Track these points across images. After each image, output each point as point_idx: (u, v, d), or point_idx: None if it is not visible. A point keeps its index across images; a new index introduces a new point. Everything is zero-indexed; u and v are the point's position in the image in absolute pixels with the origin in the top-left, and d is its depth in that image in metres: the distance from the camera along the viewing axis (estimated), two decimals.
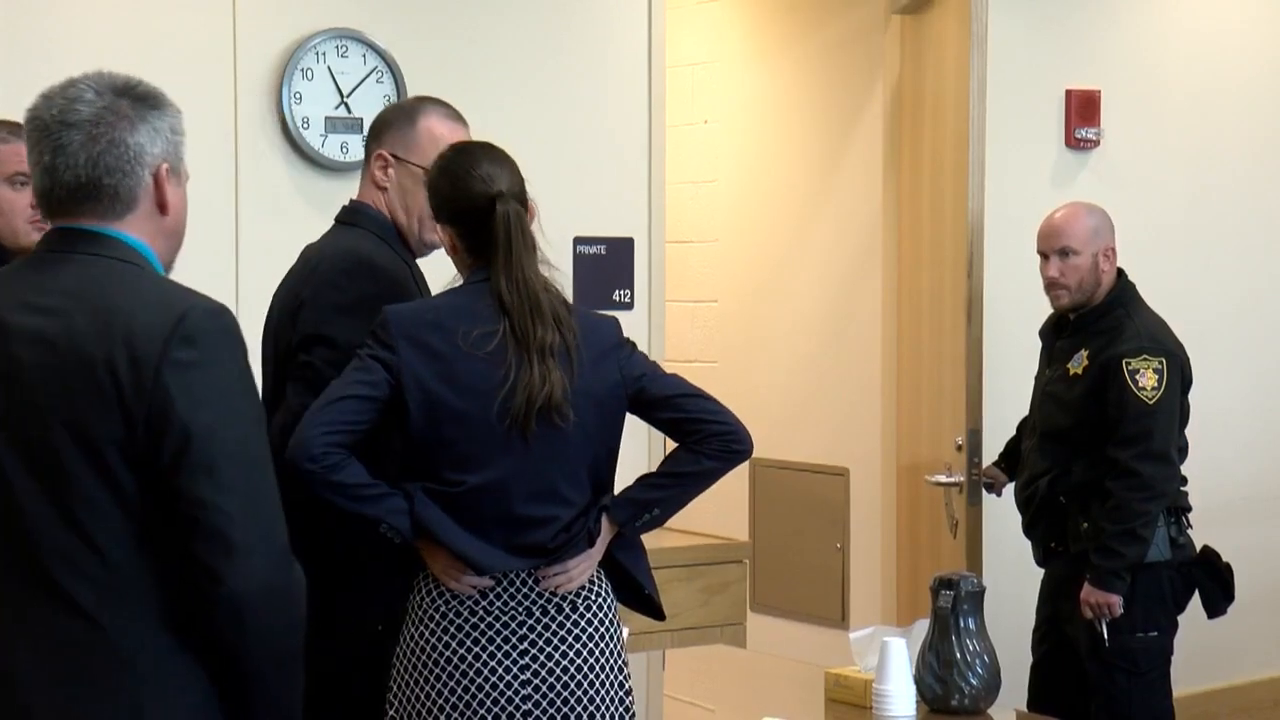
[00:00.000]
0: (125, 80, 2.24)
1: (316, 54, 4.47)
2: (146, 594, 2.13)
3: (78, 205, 2.21)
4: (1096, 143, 5.58)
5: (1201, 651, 4.91)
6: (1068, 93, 5.54)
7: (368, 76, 4.53)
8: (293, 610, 2.18)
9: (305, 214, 4.38)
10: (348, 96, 4.51)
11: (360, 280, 2.89)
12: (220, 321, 2.16)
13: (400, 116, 3.03)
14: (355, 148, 4.46)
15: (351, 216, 3.04)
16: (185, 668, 2.14)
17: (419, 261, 3.09)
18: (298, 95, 4.45)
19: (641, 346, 5.03)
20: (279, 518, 2.18)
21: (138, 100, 2.23)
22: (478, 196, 2.79)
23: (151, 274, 2.22)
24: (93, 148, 2.18)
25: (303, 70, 4.46)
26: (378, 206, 3.01)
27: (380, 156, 3.00)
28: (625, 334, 2.90)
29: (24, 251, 3.23)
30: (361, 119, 4.50)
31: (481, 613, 2.73)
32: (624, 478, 2.88)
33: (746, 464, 3.03)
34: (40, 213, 2.27)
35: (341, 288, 2.89)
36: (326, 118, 4.48)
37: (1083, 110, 5.55)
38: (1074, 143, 5.55)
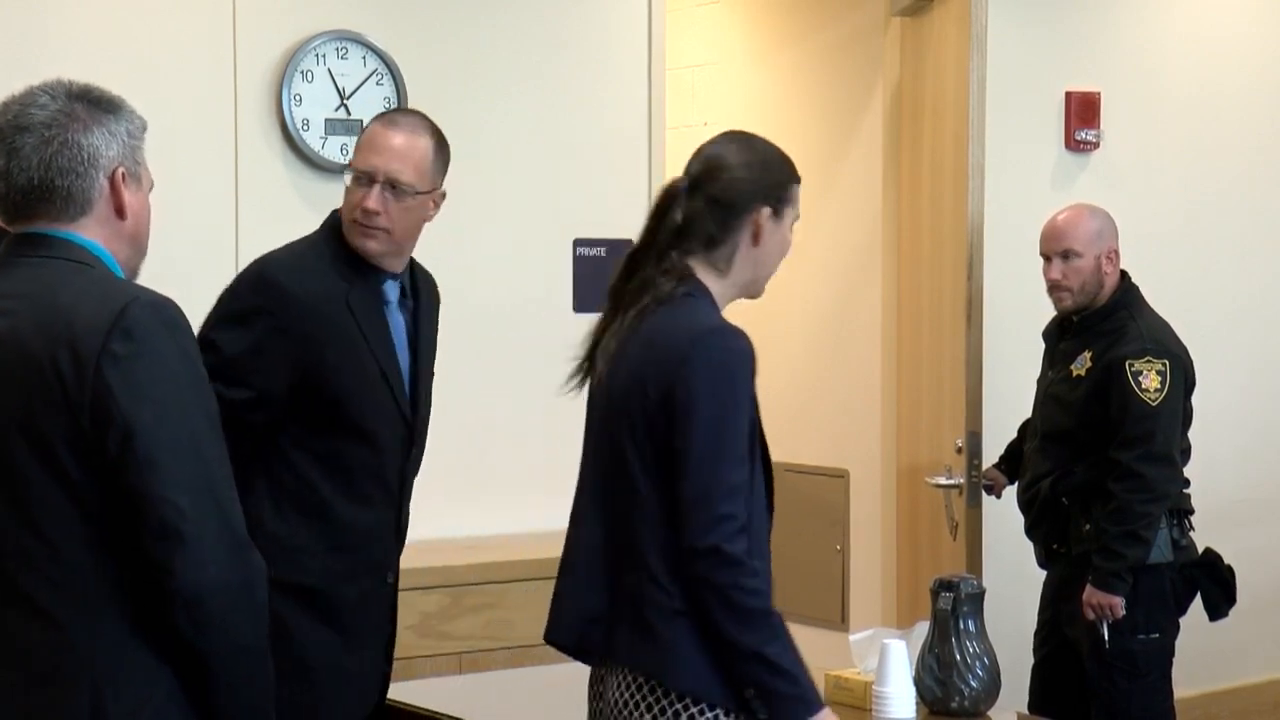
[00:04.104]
0: (83, 86, 2.26)
1: (316, 56, 4.47)
2: (105, 591, 2.13)
3: (32, 208, 2.22)
4: (1096, 145, 5.58)
5: (1202, 654, 4.90)
6: (1067, 95, 5.54)
7: (368, 78, 4.53)
8: (251, 601, 2.17)
9: (305, 216, 4.35)
10: (348, 98, 4.50)
11: (246, 291, 3.04)
12: (161, 315, 2.16)
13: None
14: None
15: (326, 223, 3.16)
16: (147, 665, 2.14)
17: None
18: (298, 97, 4.44)
19: None
20: (233, 509, 2.17)
21: (93, 104, 2.24)
22: None
23: (100, 272, 2.22)
24: (45, 150, 2.20)
25: (303, 72, 4.45)
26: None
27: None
28: None
29: None
30: (361, 121, 4.48)
31: None
32: None
33: None
34: (1, 218, 2.28)
35: (233, 295, 3.06)
36: (327, 120, 4.47)
37: (1082, 112, 5.55)
38: (1074, 145, 5.55)
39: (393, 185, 3.06)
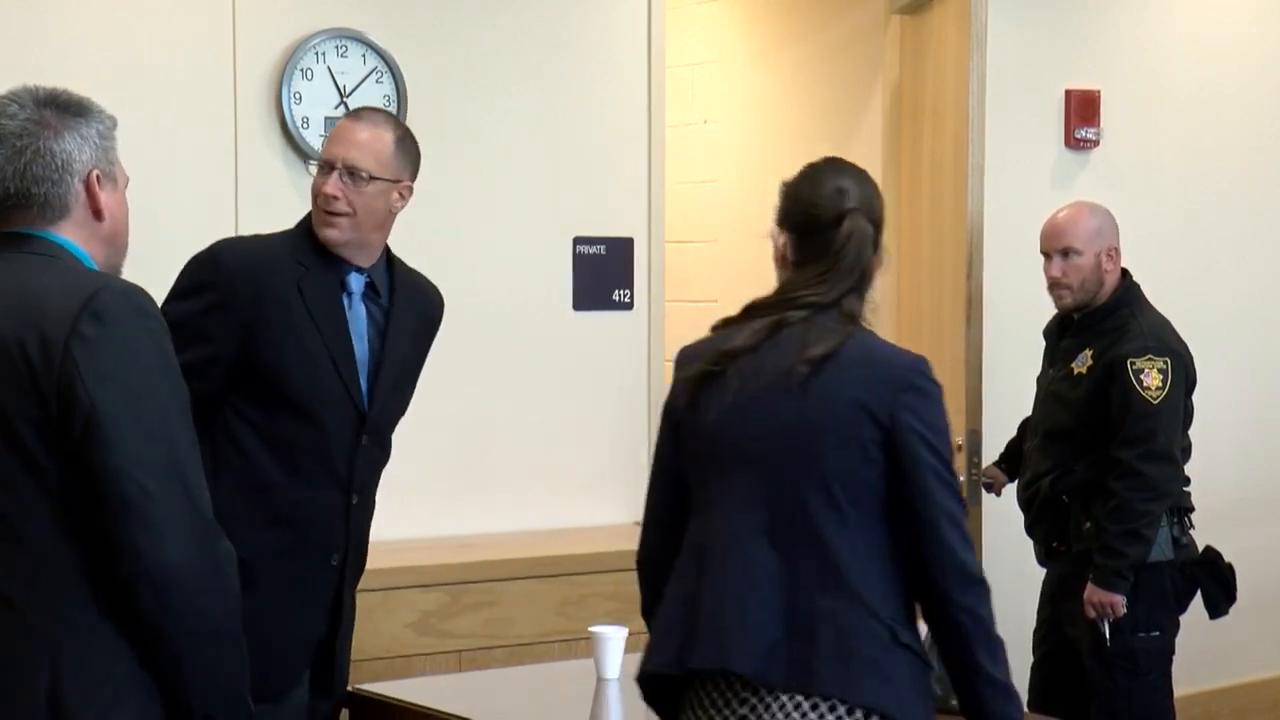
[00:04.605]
0: (50, 91, 2.26)
1: (316, 54, 4.47)
2: (65, 574, 2.13)
3: (9, 215, 2.23)
4: (1096, 143, 5.57)
5: (1203, 652, 4.89)
6: (1067, 93, 5.53)
7: (368, 76, 4.53)
8: (220, 585, 2.17)
9: (304, 214, 4.41)
10: (348, 96, 4.50)
11: (194, 268, 3.19)
12: (131, 301, 2.17)
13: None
14: None
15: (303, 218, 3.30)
16: (108, 647, 2.14)
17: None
18: (297, 95, 4.44)
19: (641, 346, 5.15)
20: (200, 494, 2.17)
21: (62, 109, 2.25)
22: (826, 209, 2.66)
23: (69, 263, 2.23)
24: (19, 160, 2.21)
25: (302, 70, 4.45)
26: None
27: None
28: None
29: None
30: None
31: None
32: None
33: None
34: None
35: (185, 272, 3.20)
36: (326, 118, 4.46)
37: (1082, 110, 5.54)
38: (1074, 143, 5.54)
39: (350, 172, 3.19)
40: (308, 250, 3.21)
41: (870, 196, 2.65)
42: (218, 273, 3.16)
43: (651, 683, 2.58)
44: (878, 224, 2.62)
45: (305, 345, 3.16)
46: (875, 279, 2.61)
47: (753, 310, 2.61)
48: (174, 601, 2.12)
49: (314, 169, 3.28)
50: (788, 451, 2.49)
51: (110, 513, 2.11)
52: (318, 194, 3.21)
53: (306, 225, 3.27)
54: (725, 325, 2.63)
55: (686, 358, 2.65)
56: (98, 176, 2.25)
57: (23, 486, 2.13)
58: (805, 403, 2.48)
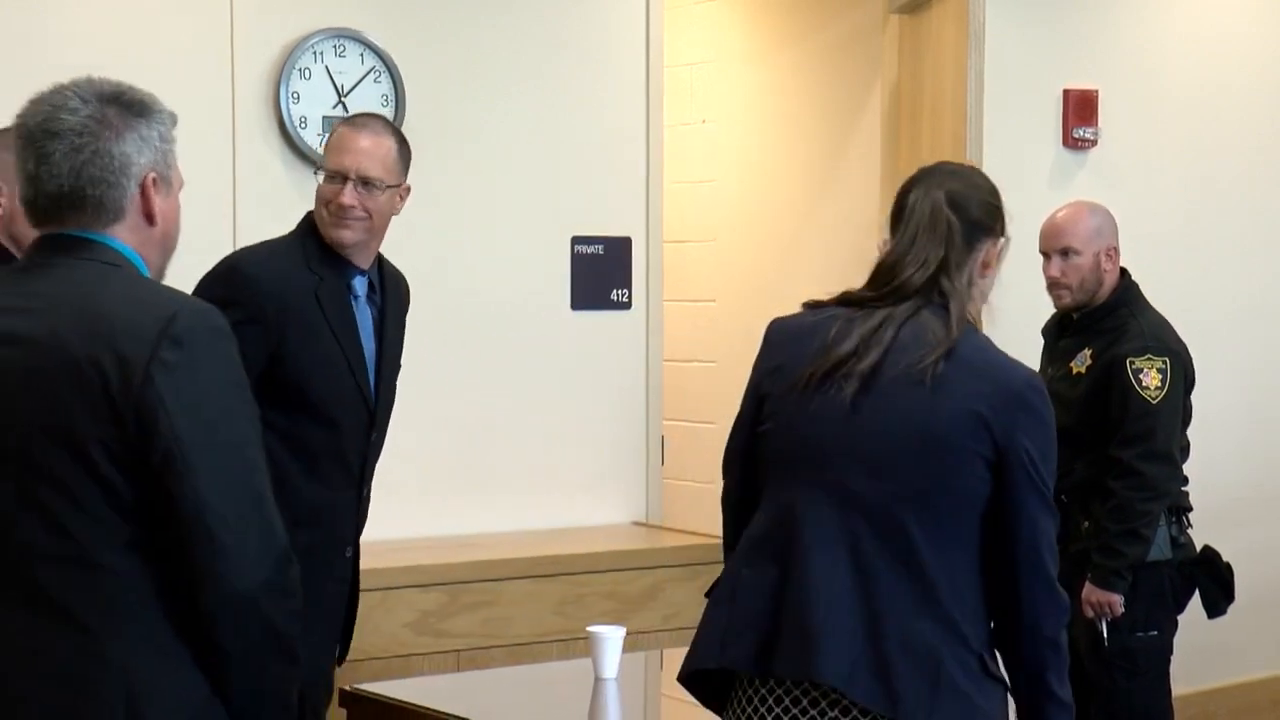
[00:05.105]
0: (114, 87, 2.19)
1: (314, 53, 4.47)
2: (140, 599, 2.09)
3: (61, 215, 2.17)
4: (1094, 142, 5.56)
5: (1200, 651, 4.88)
6: (1065, 92, 5.52)
7: (365, 76, 4.53)
8: (290, 607, 2.15)
9: (303, 212, 4.40)
10: (345, 96, 4.50)
11: (219, 284, 3.21)
12: (209, 321, 2.13)
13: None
14: None
15: (301, 222, 3.38)
16: (185, 675, 2.10)
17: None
18: (295, 95, 4.44)
19: (639, 346, 5.14)
20: (275, 518, 2.14)
21: (125, 108, 2.18)
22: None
23: (138, 275, 2.18)
24: (76, 158, 2.14)
25: (300, 70, 4.45)
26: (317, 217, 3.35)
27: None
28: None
29: None
30: None
31: None
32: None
33: None
34: (28, 220, 2.23)
35: (207, 288, 3.21)
36: (324, 117, 4.46)
37: (1080, 110, 5.52)
38: (1071, 142, 5.53)
39: (365, 182, 3.29)
40: (316, 257, 3.29)
41: (964, 189, 2.54)
42: (243, 288, 3.20)
43: (701, 675, 2.51)
44: (966, 210, 2.51)
45: (326, 352, 3.26)
46: (983, 272, 2.54)
47: (851, 299, 2.55)
48: (253, 629, 2.10)
49: (320, 175, 3.35)
50: (899, 454, 2.41)
51: (191, 541, 2.07)
52: (329, 202, 3.29)
53: (309, 229, 3.32)
54: (818, 306, 2.57)
55: (781, 335, 2.57)
56: (154, 180, 2.18)
57: (96, 508, 2.07)
58: (932, 404, 2.40)
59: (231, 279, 3.23)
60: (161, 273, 2.25)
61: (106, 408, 2.06)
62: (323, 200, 3.30)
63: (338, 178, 3.28)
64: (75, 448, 2.06)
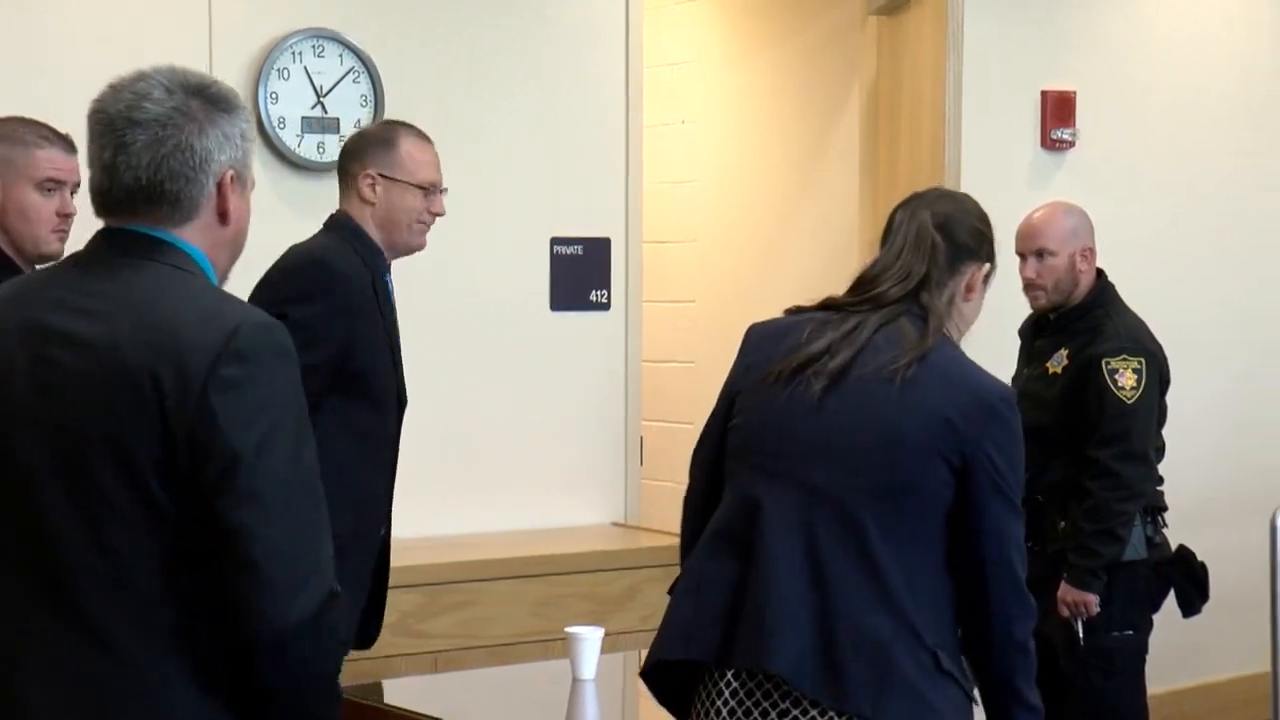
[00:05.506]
0: (199, 79, 2.11)
1: (293, 54, 4.45)
2: (178, 626, 1.98)
3: (134, 208, 2.07)
4: (1072, 143, 5.57)
5: (1175, 651, 4.90)
6: (1043, 93, 5.52)
7: (344, 76, 4.51)
8: (334, 643, 2.03)
9: (282, 214, 4.35)
10: (324, 96, 4.48)
11: (315, 274, 3.38)
12: (272, 337, 2.02)
13: (379, 141, 3.54)
14: (332, 148, 4.41)
15: (333, 224, 3.52)
16: (216, 704, 2.00)
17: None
18: (274, 95, 4.42)
19: (618, 347, 5.14)
20: (325, 547, 2.03)
21: (210, 101, 2.09)
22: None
23: (205, 284, 2.08)
24: (158, 149, 2.04)
25: (279, 70, 4.43)
26: (359, 219, 3.50)
27: (368, 176, 3.50)
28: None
29: (44, 259, 3.21)
30: (338, 119, 4.48)
31: None
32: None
33: None
34: (94, 210, 2.13)
35: (299, 278, 3.38)
36: (303, 118, 4.45)
37: (1058, 111, 5.53)
38: (1050, 143, 5.54)
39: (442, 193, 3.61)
40: (362, 253, 3.47)
41: (953, 212, 2.61)
42: (337, 280, 3.39)
43: (664, 667, 2.53)
44: (953, 233, 2.57)
45: (381, 341, 3.48)
46: (967, 296, 2.58)
47: (831, 305, 2.59)
48: (293, 668, 1.97)
49: (427, 191, 3.57)
50: (863, 450, 2.43)
51: (233, 567, 1.95)
52: (430, 212, 3.56)
53: (352, 228, 3.49)
54: (799, 312, 2.61)
55: (758, 337, 2.62)
56: (232, 178, 2.09)
57: (141, 529, 1.97)
58: (900, 404, 2.43)
59: (322, 274, 3.39)
60: (227, 274, 2.17)
61: (159, 423, 1.96)
62: (420, 211, 3.52)
63: (435, 189, 3.55)
64: (124, 460, 1.97)
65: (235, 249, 2.16)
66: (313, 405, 3.08)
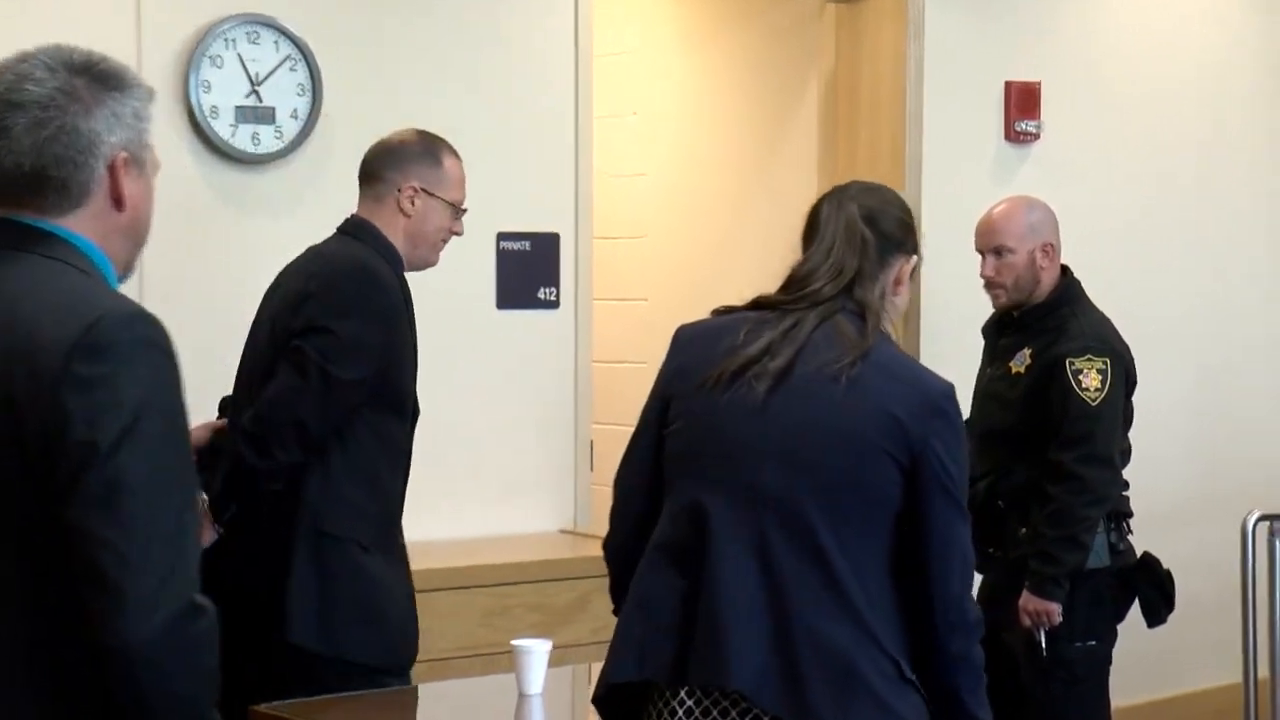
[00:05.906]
0: (85, 56, 2.01)
1: (226, 40, 4.34)
2: (30, 641, 1.91)
3: (18, 196, 1.98)
4: (1037, 136, 5.57)
5: (1141, 661, 4.91)
6: (1007, 85, 5.52)
7: (281, 64, 4.40)
8: (197, 665, 1.92)
9: (214, 207, 4.30)
10: (259, 85, 4.37)
11: (367, 287, 3.44)
12: (136, 331, 1.91)
13: (423, 154, 3.60)
14: (267, 138, 4.34)
15: (357, 231, 3.53)
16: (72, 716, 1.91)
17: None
18: (206, 84, 4.31)
19: (568, 347, 5.05)
20: (186, 564, 1.92)
21: (96, 80, 1.99)
22: None
23: (80, 278, 1.97)
24: (39, 133, 1.96)
25: (211, 57, 4.32)
26: (388, 228, 3.53)
27: (411, 188, 3.54)
28: None
29: None
30: (274, 108, 4.39)
31: None
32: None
33: None
34: None
35: (350, 290, 3.41)
36: (237, 107, 4.35)
37: (1022, 103, 5.53)
38: (1014, 136, 5.53)
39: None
40: (395, 262, 3.53)
41: (878, 205, 2.61)
42: (386, 292, 3.45)
43: (619, 688, 2.48)
44: (879, 225, 2.57)
45: (411, 352, 3.55)
46: (896, 289, 2.58)
47: (763, 304, 2.56)
48: (144, 683, 1.88)
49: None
50: (809, 450, 2.40)
51: (84, 578, 1.86)
52: (452, 231, 3.63)
53: (378, 239, 3.51)
54: (728, 312, 2.58)
55: (687, 339, 2.59)
56: (125, 160, 2.00)
57: None
58: (846, 402, 2.41)
59: (381, 286, 3.44)
60: (130, 265, 2.07)
61: (12, 425, 1.88)
62: (446, 229, 3.60)
63: (459, 209, 3.64)
64: None
65: (136, 236, 2.06)
66: (352, 419, 3.41)
